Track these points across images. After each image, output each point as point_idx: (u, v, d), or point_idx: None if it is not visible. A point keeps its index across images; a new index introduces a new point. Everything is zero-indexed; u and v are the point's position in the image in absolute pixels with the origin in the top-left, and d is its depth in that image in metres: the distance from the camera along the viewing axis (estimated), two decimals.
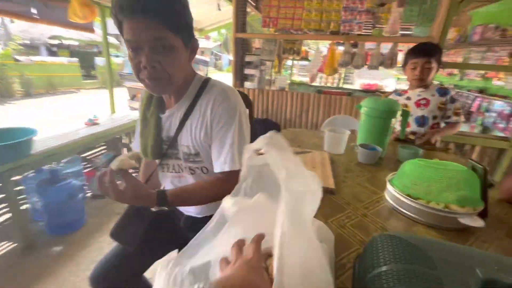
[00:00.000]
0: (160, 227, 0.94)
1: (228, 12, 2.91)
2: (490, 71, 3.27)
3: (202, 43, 15.12)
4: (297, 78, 6.32)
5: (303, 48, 3.12)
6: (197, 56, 4.00)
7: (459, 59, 3.79)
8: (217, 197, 0.75)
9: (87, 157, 2.51)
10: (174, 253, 0.99)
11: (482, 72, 3.45)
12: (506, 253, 0.61)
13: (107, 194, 0.65)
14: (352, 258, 0.57)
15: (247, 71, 2.83)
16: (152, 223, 0.86)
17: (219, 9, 3.01)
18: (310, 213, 0.40)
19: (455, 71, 4.01)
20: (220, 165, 0.76)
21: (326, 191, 0.81)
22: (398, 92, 1.50)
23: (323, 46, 3.70)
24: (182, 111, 0.79)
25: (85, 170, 2.36)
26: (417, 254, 0.41)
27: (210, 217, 0.88)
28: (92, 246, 1.75)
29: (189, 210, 0.92)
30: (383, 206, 0.78)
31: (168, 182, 0.91)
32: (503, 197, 0.85)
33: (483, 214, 0.68)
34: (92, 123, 2.37)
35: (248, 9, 2.91)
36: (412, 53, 1.33)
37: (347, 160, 1.14)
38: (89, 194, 2.34)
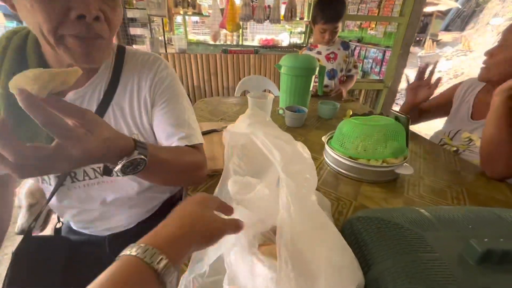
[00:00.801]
0: (78, 260, 0.67)
1: None
2: (365, 22, 3.81)
3: None
4: (193, 37, 5.71)
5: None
6: None
7: None
8: (196, 164, 0.59)
9: None
10: None
11: (359, 23, 3.98)
12: (432, 190, 0.69)
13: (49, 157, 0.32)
14: None
15: (133, 30, 2.28)
16: (68, 257, 0.66)
17: None
18: (312, 187, 0.39)
19: None
20: (180, 140, 0.59)
21: None
22: (309, 47, 1.49)
23: None
24: (99, 90, 0.57)
25: None
26: (410, 238, 0.37)
27: (146, 221, 0.69)
28: None
29: (116, 225, 0.68)
30: (327, 172, 0.76)
31: (73, 199, 0.62)
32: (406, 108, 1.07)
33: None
34: None
35: None
36: (321, 17, 1.31)
37: None
38: None
